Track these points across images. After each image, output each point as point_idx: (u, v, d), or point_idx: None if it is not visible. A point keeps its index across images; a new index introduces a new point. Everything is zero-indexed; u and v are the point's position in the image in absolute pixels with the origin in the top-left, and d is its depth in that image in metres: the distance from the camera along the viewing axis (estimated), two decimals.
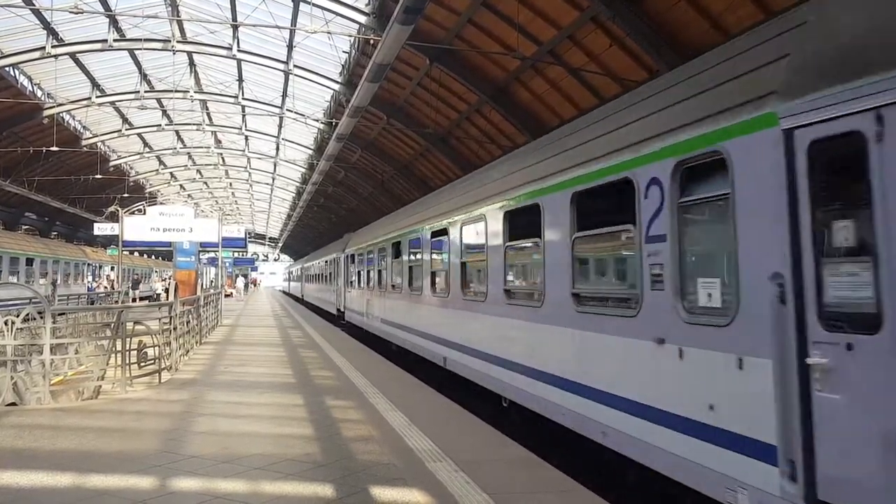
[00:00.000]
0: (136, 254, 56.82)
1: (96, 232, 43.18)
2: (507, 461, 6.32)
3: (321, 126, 34.72)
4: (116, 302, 27.75)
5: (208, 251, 33.96)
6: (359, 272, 21.80)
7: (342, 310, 25.62)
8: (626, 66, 17.79)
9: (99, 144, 41.86)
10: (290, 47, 27.21)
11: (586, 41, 18.29)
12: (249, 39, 28.21)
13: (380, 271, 18.08)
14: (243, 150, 48.41)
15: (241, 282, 68.68)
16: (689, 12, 15.25)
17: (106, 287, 43.10)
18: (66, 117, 36.93)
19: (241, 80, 33.69)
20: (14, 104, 30.61)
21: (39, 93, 32.67)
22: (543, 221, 7.40)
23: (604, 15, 16.40)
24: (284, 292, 75.28)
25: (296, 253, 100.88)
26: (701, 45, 13.87)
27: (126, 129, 40.94)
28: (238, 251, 49.55)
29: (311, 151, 41.35)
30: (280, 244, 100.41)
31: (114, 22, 26.23)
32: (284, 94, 32.52)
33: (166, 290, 32.93)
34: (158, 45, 27.70)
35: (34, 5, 23.31)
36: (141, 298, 40.39)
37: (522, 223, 8.18)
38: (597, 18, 17.04)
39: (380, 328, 17.50)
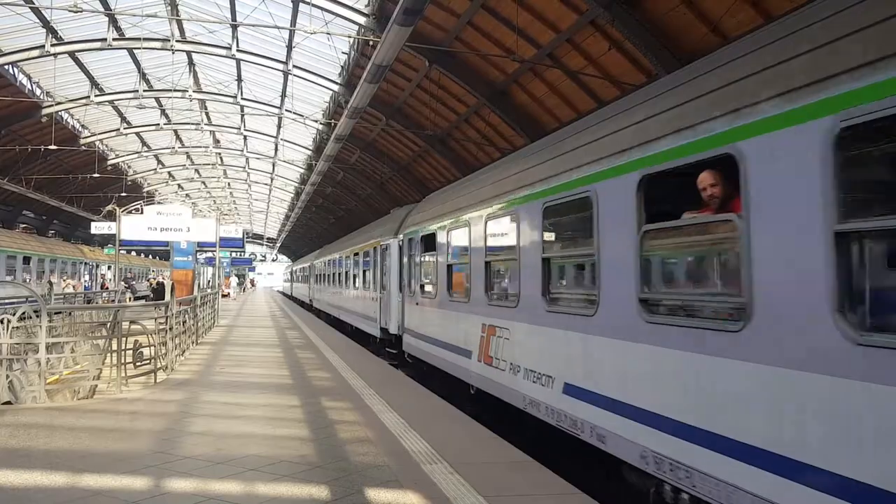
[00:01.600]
0: (134, 253, 56.74)
1: (93, 231, 43.11)
2: (503, 464, 6.31)
3: (320, 126, 34.72)
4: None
5: (206, 251, 33.87)
6: (449, 268, 11.05)
7: (395, 332, 15.51)
8: (625, 69, 17.81)
9: (97, 143, 41.84)
10: (290, 47, 27.22)
11: (585, 44, 18.31)
12: (249, 39, 28.23)
13: (584, 260, 6.94)
14: (242, 150, 48.41)
15: (233, 281, 68.27)
16: (688, 16, 15.28)
17: (75, 287, 38.75)
18: (65, 116, 36.89)
19: (240, 79, 33.69)
20: (12, 102, 30.58)
21: (38, 91, 32.64)
22: None
23: (603, 18, 16.42)
24: (286, 295, 69.22)
25: (293, 253, 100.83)
26: (699, 49, 13.90)
27: (124, 129, 40.91)
28: (236, 251, 49.49)
29: (309, 152, 41.35)
30: (278, 244, 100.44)
31: (113, 21, 26.22)
32: (283, 95, 32.53)
33: (154, 290, 32.15)
34: (157, 45, 27.71)
35: (34, 4, 23.29)
36: (136, 298, 40.04)
37: None
38: (596, 22, 17.07)
39: (591, 418, 6.16)
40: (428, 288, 12.51)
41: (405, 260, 14.32)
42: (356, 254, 21.89)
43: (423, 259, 12.98)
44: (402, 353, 14.41)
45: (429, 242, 12.33)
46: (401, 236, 15.04)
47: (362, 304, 20.55)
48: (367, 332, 19.26)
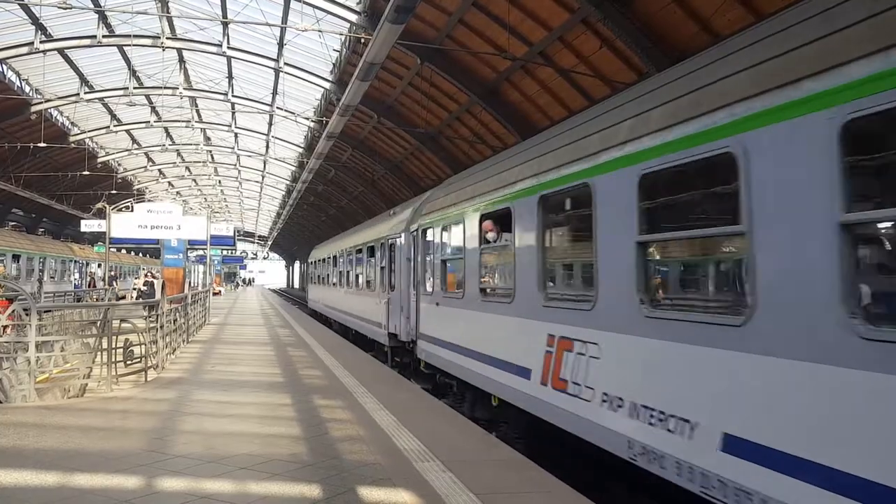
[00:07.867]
0: (124, 251, 56.46)
1: (83, 229, 42.91)
2: (495, 462, 6.33)
3: (311, 124, 34.62)
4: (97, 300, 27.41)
5: (197, 249, 33.70)
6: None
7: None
8: (616, 67, 17.85)
9: (87, 141, 41.55)
10: (281, 45, 27.13)
11: (576, 43, 18.34)
12: (240, 37, 28.10)
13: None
14: (233, 148, 48.19)
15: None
16: (679, 14, 15.32)
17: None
18: (54, 113, 36.62)
19: (230, 77, 33.54)
20: (1, 100, 30.32)
21: (27, 88, 32.38)
22: None
23: (594, 17, 16.45)
24: (293, 299, 53.89)
25: (285, 251, 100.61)
26: (690, 48, 13.95)
27: (114, 126, 40.64)
28: (226, 249, 49.31)
29: (301, 150, 41.23)
30: (269, 242, 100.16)
31: (103, 18, 26.07)
32: (275, 92, 32.40)
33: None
34: (148, 42, 27.52)
35: (23, 0, 23.11)
36: (119, 298, 39.66)
37: None
38: (587, 20, 17.10)
39: None
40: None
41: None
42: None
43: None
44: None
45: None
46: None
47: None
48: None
